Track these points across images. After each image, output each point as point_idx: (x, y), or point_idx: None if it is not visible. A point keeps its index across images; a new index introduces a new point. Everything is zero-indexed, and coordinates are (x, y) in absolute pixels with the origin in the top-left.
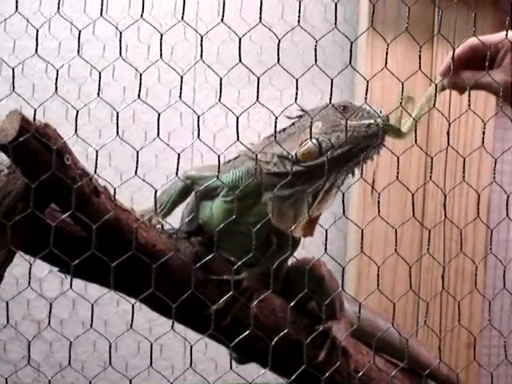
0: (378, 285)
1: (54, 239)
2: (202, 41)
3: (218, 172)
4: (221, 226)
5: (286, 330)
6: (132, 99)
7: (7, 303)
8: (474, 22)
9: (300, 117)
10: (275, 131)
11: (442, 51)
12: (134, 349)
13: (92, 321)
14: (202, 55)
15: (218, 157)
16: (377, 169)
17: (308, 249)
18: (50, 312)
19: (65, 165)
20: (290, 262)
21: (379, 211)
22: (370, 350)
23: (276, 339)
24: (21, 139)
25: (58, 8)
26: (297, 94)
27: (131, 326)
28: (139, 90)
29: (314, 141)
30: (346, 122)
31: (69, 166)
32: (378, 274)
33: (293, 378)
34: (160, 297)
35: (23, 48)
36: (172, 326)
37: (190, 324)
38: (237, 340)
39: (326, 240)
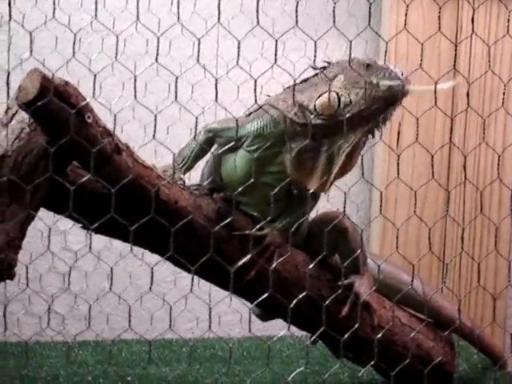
0: (397, 247)
1: (77, 195)
2: None
3: (237, 123)
4: (248, 178)
5: (305, 292)
6: (155, 51)
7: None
8: None
9: (324, 68)
10: (294, 82)
11: (467, 6)
12: (159, 301)
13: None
14: (219, 13)
15: (237, 121)
16: (402, 120)
17: (332, 201)
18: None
19: (86, 123)
20: (313, 215)
21: (398, 173)
22: (393, 305)
23: (299, 296)
24: (41, 98)
25: None
26: (315, 54)
27: (151, 284)
28: (157, 49)
29: (334, 94)
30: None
31: (90, 125)
32: (397, 237)
33: (316, 335)
34: (183, 254)
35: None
36: (191, 289)
37: (214, 280)
38: (260, 298)
39: (346, 202)
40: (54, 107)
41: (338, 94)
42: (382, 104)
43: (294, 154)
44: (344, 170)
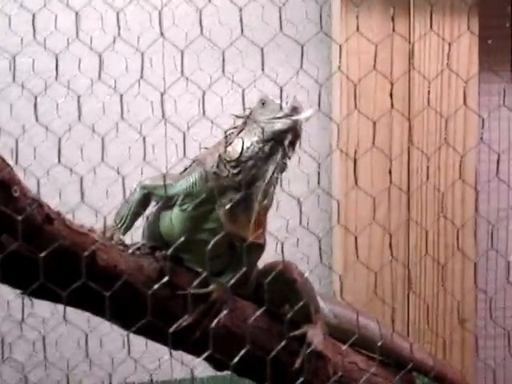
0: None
1: (14, 262)
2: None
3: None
4: (185, 236)
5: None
6: (99, 91)
7: None
8: None
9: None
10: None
11: (418, 24)
12: (120, 343)
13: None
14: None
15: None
16: (359, 141)
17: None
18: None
19: (12, 197)
20: (261, 266)
21: (356, 182)
22: (350, 350)
23: (249, 348)
24: None
25: None
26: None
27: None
28: None
29: (240, 139)
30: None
31: (17, 198)
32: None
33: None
34: (127, 316)
35: None
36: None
37: (161, 340)
38: (206, 355)
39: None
40: None
41: (242, 138)
42: (275, 139)
43: (227, 209)
44: (264, 210)
